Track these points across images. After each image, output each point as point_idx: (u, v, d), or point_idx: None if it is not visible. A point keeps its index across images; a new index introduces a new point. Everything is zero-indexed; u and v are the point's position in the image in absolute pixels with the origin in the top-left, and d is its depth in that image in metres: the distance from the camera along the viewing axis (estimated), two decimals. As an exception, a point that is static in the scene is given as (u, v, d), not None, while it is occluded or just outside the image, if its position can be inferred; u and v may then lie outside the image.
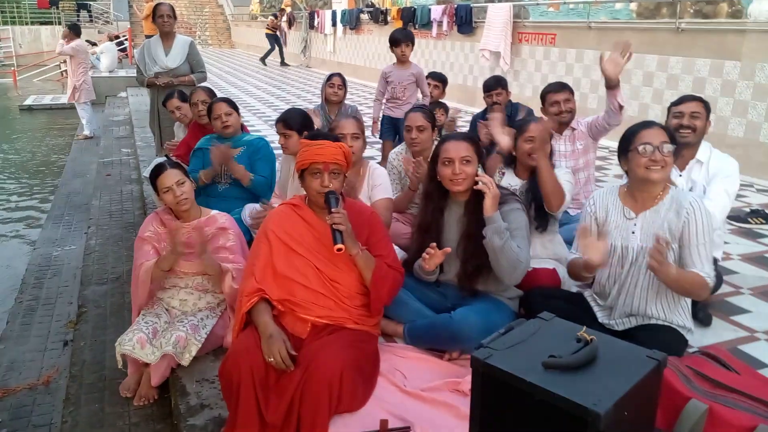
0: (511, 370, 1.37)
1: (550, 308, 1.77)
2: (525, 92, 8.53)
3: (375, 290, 2.28)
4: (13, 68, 20.44)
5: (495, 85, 4.56)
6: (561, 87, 3.71)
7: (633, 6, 9.26)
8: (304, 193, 2.42)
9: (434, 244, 2.39)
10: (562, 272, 2.82)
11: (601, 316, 2.48)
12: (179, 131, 4.74)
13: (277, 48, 16.78)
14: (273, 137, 4.16)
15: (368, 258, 2.30)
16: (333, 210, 2.20)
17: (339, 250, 2.14)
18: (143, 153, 7.14)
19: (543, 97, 3.76)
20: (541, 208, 2.85)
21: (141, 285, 2.85)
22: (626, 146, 2.31)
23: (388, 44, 5.13)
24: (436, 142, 2.83)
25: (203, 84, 4.55)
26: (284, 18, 17.37)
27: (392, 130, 5.23)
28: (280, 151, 3.60)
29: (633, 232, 2.34)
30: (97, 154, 8.22)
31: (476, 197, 2.41)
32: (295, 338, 2.23)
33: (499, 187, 2.56)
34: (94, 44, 16.64)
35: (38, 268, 4.75)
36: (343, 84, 4.73)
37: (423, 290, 2.62)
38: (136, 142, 7.94)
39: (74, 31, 9.65)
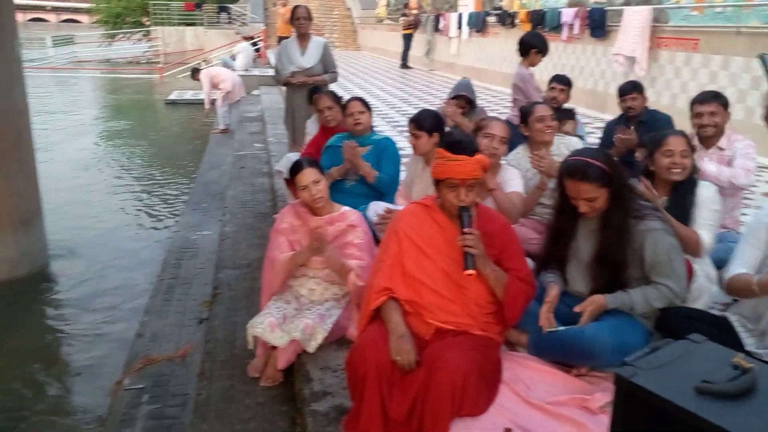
0: (659, 392, 1.29)
1: (692, 330, 1.66)
2: (662, 100, 8.03)
3: (508, 308, 2.24)
4: (160, 65, 22.33)
5: (631, 89, 4.35)
6: (710, 97, 3.43)
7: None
8: (432, 193, 2.43)
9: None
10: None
11: (750, 343, 2.27)
12: (312, 126, 4.92)
13: (403, 49, 16.94)
14: (396, 138, 4.21)
15: (500, 276, 2.25)
16: (465, 230, 2.17)
17: (470, 275, 2.12)
18: (274, 148, 7.53)
19: (691, 105, 3.53)
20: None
21: (276, 275, 3.02)
22: None
23: (527, 48, 4.95)
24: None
25: (326, 89, 4.67)
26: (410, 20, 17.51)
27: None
28: (404, 151, 3.65)
29: None
30: (232, 148, 8.78)
31: (613, 209, 2.31)
32: (418, 338, 2.25)
33: (639, 200, 2.44)
34: (249, 39, 17.90)
35: (178, 250, 5.16)
36: (468, 103, 4.65)
37: (550, 301, 2.54)
38: (268, 138, 8.39)
39: (194, 73, 10.89)
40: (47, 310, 4.98)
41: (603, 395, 2.16)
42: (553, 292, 2.43)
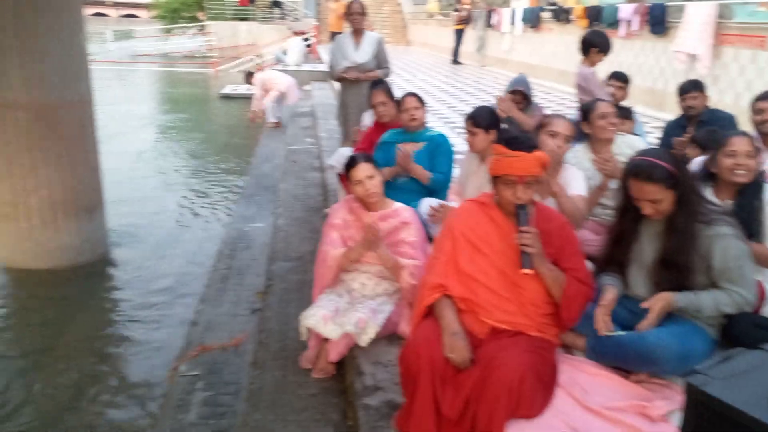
0: (734, 402, 1.25)
1: (761, 339, 1.60)
2: (725, 99, 7.73)
3: (565, 309, 2.21)
4: (214, 59, 22.84)
5: (691, 87, 4.23)
6: None
7: None
8: (487, 191, 2.41)
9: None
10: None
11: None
12: (369, 118, 4.93)
13: (454, 45, 16.83)
14: (447, 134, 4.18)
15: (558, 276, 2.22)
16: (522, 228, 2.14)
17: (526, 274, 2.09)
18: (325, 143, 7.60)
19: (752, 103, 3.40)
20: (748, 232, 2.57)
21: (328, 270, 3.05)
22: None
23: (588, 47, 4.81)
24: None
25: (381, 85, 4.67)
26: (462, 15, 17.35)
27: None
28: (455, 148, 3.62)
29: None
30: (284, 142, 8.91)
31: (679, 212, 2.23)
32: (473, 336, 2.23)
33: (708, 204, 2.35)
34: (300, 34, 18.19)
35: (232, 241, 5.26)
36: (525, 98, 4.57)
37: (609, 303, 2.48)
38: (319, 133, 8.48)
39: (248, 77, 11.17)
40: (108, 295, 5.18)
41: (664, 403, 2.10)
42: (610, 295, 2.37)
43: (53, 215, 5.37)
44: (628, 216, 2.39)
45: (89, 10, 63.01)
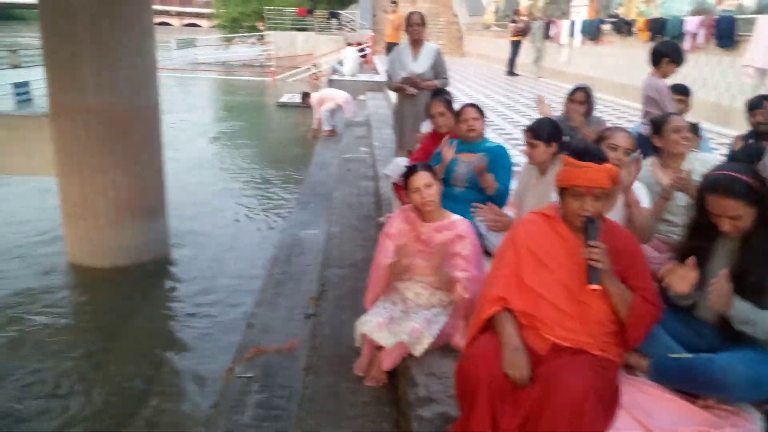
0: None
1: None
2: (797, 116, 7.38)
3: (632, 329, 2.13)
4: (272, 69, 23.35)
5: (761, 103, 4.09)
6: None
7: None
8: (547, 203, 2.36)
9: (692, 259, 2.16)
10: None
11: None
12: (428, 127, 4.92)
13: (510, 56, 16.69)
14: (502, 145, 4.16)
15: (625, 293, 2.14)
16: (591, 243, 2.09)
17: (594, 290, 2.04)
18: (379, 152, 7.65)
19: None
20: None
21: (379, 279, 3.07)
22: None
23: (660, 57, 4.67)
24: None
25: (440, 95, 4.66)
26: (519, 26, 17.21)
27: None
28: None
29: None
30: (338, 150, 9.01)
31: (759, 230, 2.13)
32: (533, 353, 2.19)
33: None
34: (356, 45, 18.48)
35: (287, 247, 5.36)
36: (586, 99, 4.52)
37: (675, 325, 2.39)
38: (373, 142, 8.53)
39: (305, 98, 11.40)
40: (167, 294, 5.37)
41: (734, 431, 2.01)
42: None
43: (118, 216, 5.60)
44: (701, 234, 2.30)
45: (154, 20, 65.67)
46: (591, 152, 2.21)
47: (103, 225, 5.58)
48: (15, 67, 15.85)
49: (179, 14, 73.18)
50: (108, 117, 5.41)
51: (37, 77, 14.92)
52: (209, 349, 4.34)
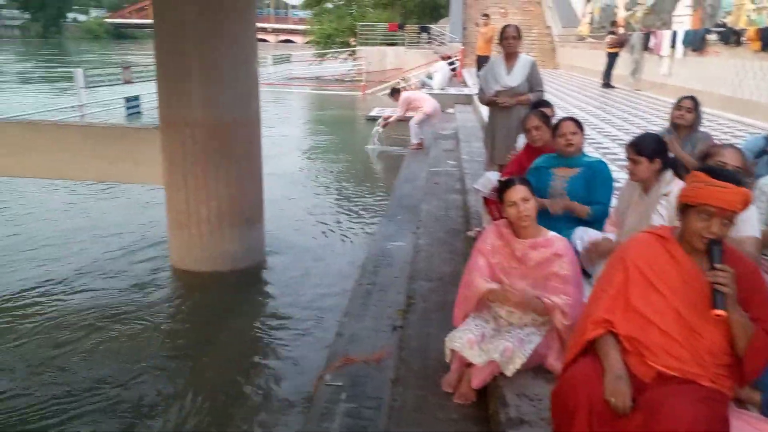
0: None
1: None
2: None
3: (749, 362, 1.98)
4: (363, 83, 23.82)
5: None
6: None
7: None
8: (647, 223, 2.25)
9: None
10: None
11: None
12: (520, 141, 4.86)
13: (605, 68, 16.16)
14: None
15: (747, 324, 1.99)
16: (717, 266, 1.97)
17: (718, 316, 1.91)
18: (467, 166, 7.60)
19: None
20: None
21: (470, 298, 3.02)
22: None
23: None
24: None
25: (537, 109, 4.56)
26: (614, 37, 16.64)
27: None
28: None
29: None
30: (426, 163, 9.04)
31: None
32: (636, 380, 2.08)
33: None
34: (446, 58, 18.61)
35: (375, 258, 5.41)
36: (694, 108, 4.32)
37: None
38: (462, 156, 8.50)
39: (394, 93, 11.65)
40: (261, 299, 5.58)
41: None
42: None
43: (220, 224, 5.88)
44: None
45: (253, 37, 68.79)
46: (728, 173, 2.10)
47: (205, 233, 5.88)
48: (127, 82, 16.99)
49: (275, 31, 76.33)
50: (213, 130, 5.71)
51: (143, 92, 16.05)
52: (300, 355, 4.45)
